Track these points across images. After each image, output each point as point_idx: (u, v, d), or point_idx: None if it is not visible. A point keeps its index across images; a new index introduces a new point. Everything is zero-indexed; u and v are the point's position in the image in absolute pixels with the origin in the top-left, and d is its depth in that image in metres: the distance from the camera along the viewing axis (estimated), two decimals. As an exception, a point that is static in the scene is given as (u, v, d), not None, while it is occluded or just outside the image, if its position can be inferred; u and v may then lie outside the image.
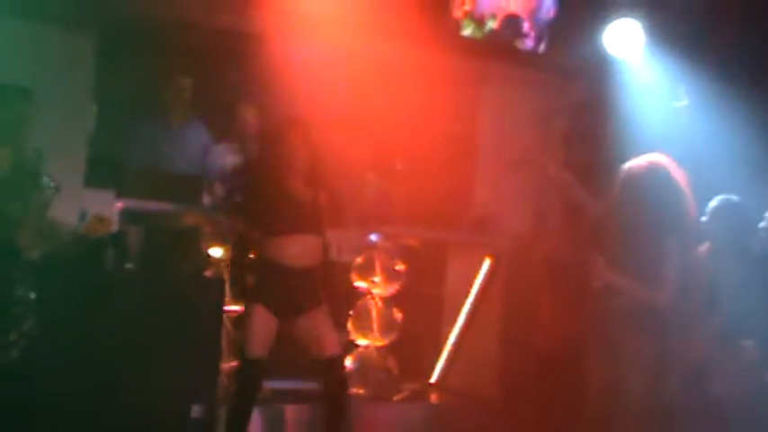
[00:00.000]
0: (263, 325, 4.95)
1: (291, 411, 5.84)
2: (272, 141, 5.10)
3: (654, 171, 4.79)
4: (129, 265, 5.11)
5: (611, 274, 4.73)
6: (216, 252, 5.95)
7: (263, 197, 5.00)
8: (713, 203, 5.17)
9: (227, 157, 6.50)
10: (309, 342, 5.02)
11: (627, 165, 4.90)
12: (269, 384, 5.66)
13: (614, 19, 6.78)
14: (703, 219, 5.10)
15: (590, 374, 4.96)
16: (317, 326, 5.02)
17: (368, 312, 6.38)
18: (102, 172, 5.86)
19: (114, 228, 5.24)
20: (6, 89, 4.66)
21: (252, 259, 5.17)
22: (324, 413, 5.03)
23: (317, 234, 5.03)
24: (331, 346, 5.06)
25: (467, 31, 6.74)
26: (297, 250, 4.94)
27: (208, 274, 5.76)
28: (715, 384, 4.94)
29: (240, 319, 5.92)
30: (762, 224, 5.11)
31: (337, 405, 5.01)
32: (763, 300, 4.80)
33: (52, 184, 4.61)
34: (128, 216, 5.54)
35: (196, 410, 5.10)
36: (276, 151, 5.00)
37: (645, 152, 4.95)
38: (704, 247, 5.15)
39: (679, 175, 4.81)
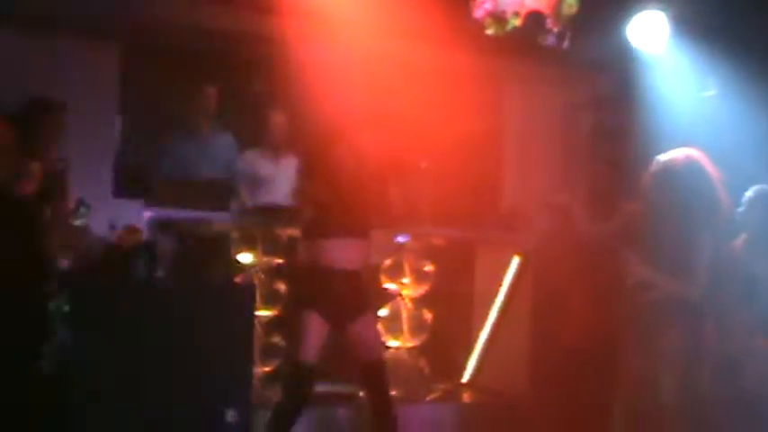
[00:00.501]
0: (316, 331, 4.88)
1: (324, 414, 5.84)
2: (319, 154, 5.07)
3: (686, 165, 4.76)
4: (159, 274, 5.14)
5: (644, 269, 4.71)
6: (245, 258, 5.98)
7: (315, 203, 4.97)
8: (749, 194, 5.12)
9: (257, 164, 6.54)
10: (358, 346, 4.98)
11: (658, 158, 4.87)
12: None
13: (638, 11, 6.73)
14: (739, 210, 5.06)
15: (622, 370, 4.94)
16: (365, 330, 4.98)
17: (398, 314, 6.37)
18: (129, 182, 5.90)
19: (144, 237, 5.28)
20: (39, 102, 4.71)
21: (292, 265, 5.16)
22: (372, 420, 5.00)
23: (367, 237, 5.02)
24: (378, 350, 5.09)
25: (489, 30, 6.72)
26: (350, 254, 4.90)
27: (238, 279, 5.79)
28: (747, 377, 4.90)
29: (274, 324, 5.96)
30: None
31: (384, 411, 4.97)
32: None
33: (84, 205, 4.66)
34: (157, 225, 5.57)
35: (231, 415, 5.12)
36: (324, 163, 4.98)
37: (673, 145, 4.92)
38: (741, 239, 5.11)
39: (711, 168, 4.78)
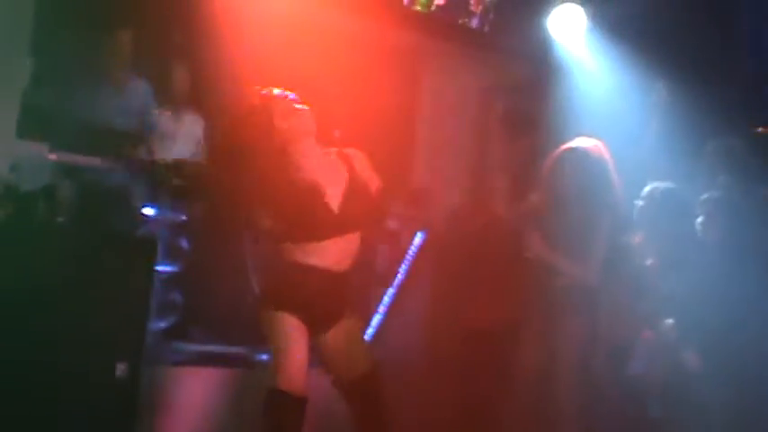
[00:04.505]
0: (298, 340, 4.01)
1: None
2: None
3: (594, 153, 4.90)
4: (60, 219, 5.04)
5: (545, 249, 4.82)
6: (149, 211, 5.90)
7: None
8: (648, 188, 5.20)
9: (159, 119, 6.47)
10: (338, 359, 4.23)
11: (566, 145, 4.98)
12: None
13: (558, 3, 6.84)
14: (639, 203, 5.13)
15: (521, 353, 5.02)
16: (347, 338, 4.24)
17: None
18: (36, 124, 5.75)
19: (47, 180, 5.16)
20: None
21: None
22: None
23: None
24: (363, 361, 4.26)
25: (417, 6, 6.74)
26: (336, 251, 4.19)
27: (141, 232, 5.71)
28: (634, 363, 5.05)
29: (173, 280, 5.89)
30: (698, 211, 5.12)
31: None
32: (694, 282, 4.84)
33: None
34: (61, 169, 5.45)
35: (121, 369, 5.05)
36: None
37: (579, 135, 5.04)
38: (639, 234, 5.23)
39: (610, 159, 4.93)
